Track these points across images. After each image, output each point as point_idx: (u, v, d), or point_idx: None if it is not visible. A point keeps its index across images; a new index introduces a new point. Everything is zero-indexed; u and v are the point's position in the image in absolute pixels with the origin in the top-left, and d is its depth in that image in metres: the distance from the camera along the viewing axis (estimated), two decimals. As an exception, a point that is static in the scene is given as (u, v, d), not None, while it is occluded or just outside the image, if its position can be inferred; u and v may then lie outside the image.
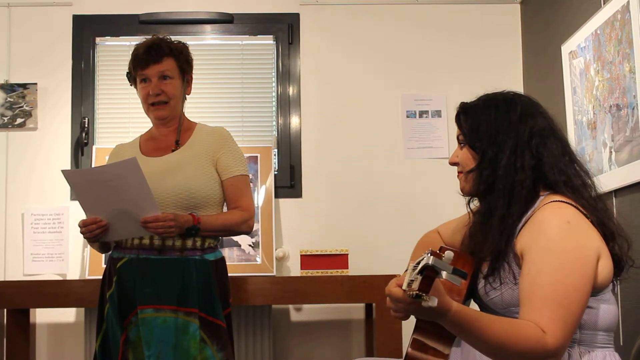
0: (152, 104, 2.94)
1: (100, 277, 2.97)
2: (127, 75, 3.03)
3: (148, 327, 2.75)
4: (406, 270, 1.69)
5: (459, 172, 2.08)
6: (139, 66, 2.92)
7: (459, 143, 2.08)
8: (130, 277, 2.81)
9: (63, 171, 2.75)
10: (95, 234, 2.75)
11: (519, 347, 1.74)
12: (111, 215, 2.73)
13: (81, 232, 2.78)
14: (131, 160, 2.67)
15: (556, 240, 1.82)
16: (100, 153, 4.01)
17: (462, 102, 2.09)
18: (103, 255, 3.75)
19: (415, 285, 1.55)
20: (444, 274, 1.55)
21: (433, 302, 1.55)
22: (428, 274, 1.55)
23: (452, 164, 2.10)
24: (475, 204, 2.11)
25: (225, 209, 3.01)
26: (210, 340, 2.80)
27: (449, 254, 1.56)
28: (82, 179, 2.75)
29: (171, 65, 2.95)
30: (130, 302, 2.79)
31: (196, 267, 2.83)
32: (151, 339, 2.74)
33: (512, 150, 1.95)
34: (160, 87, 2.92)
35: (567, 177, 1.95)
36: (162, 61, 2.93)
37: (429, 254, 1.54)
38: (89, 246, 3.76)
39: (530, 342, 1.73)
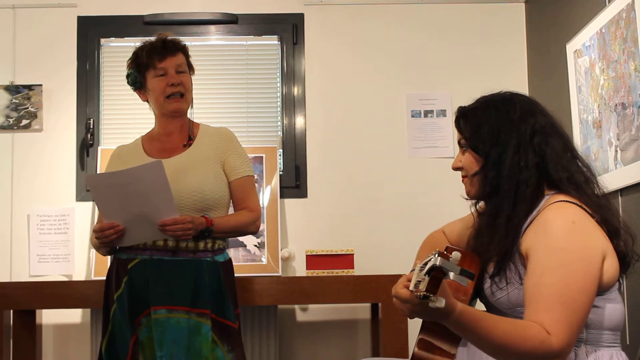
0: (169, 97, 2.93)
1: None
2: (130, 77, 2.99)
3: (161, 327, 2.75)
4: (412, 270, 1.69)
5: (463, 177, 2.08)
6: (157, 58, 2.91)
7: (461, 147, 2.07)
8: (143, 278, 2.80)
9: (87, 176, 2.76)
10: (111, 238, 2.74)
11: (523, 347, 1.74)
12: (128, 219, 2.72)
13: (97, 237, 2.76)
14: (156, 163, 2.67)
15: (561, 240, 1.82)
16: (106, 154, 4.01)
17: (460, 107, 2.08)
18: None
19: (423, 286, 1.55)
20: (451, 274, 1.55)
21: (440, 302, 1.55)
22: (435, 274, 1.55)
23: (456, 169, 2.09)
24: (480, 205, 2.11)
25: (231, 209, 3.02)
26: (221, 341, 2.81)
27: (456, 255, 1.56)
28: (105, 183, 2.72)
29: (183, 60, 2.98)
30: (141, 303, 2.79)
31: (208, 269, 2.84)
32: (163, 339, 2.74)
33: (515, 149, 1.95)
34: (179, 78, 2.93)
35: (569, 173, 1.95)
36: (177, 54, 2.95)
37: (437, 255, 1.54)
38: (94, 247, 3.77)
39: (534, 343, 1.73)
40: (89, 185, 2.76)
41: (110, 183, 2.71)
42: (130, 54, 3.01)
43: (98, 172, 3.96)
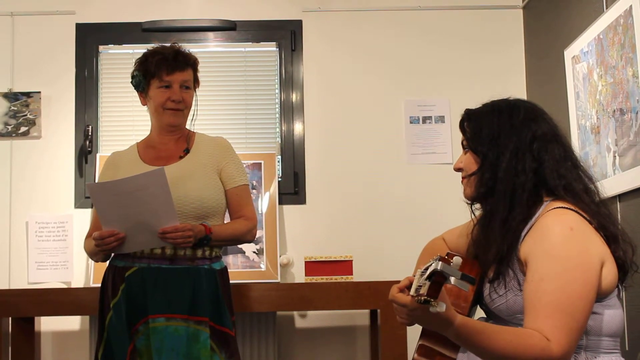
0: (168, 109, 2.92)
1: (105, 285, 2.96)
2: (135, 79, 2.97)
3: (159, 336, 2.74)
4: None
5: (462, 178, 2.09)
6: (165, 71, 2.89)
7: (463, 148, 2.09)
8: (141, 286, 2.80)
9: (89, 185, 2.75)
10: (112, 246, 2.74)
11: (524, 356, 1.74)
12: (129, 226, 2.72)
13: (96, 245, 2.76)
14: (158, 171, 2.67)
15: (559, 246, 1.82)
16: (104, 161, 4.00)
17: (466, 109, 2.10)
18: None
19: (424, 291, 1.56)
20: (452, 279, 1.55)
21: (441, 307, 1.56)
22: (436, 279, 1.55)
23: (457, 169, 2.11)
24: (480, 212, 2.11)
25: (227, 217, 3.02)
26: (219, 349, 2.81)
27: (457, 260, 1.56)
28: (107, 192, 2.71)
29: (191, 76, 2.97)
30: (138, 311, 2.78)
31: (206, 276, 2.84)
32: (162, 347, 2.74)
33: (513, 153, 1.96)
34: (182, 95, 2.92)
35: (566, 181, 1.95)
36: (186, 70, 2.94)
37: (438, 260, 1.55)
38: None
39: (535, 351, 1.74)
40: (90, 194, 2.76)
41: (112, 191, 2.70)
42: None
43: (96, 179, 3.96)
